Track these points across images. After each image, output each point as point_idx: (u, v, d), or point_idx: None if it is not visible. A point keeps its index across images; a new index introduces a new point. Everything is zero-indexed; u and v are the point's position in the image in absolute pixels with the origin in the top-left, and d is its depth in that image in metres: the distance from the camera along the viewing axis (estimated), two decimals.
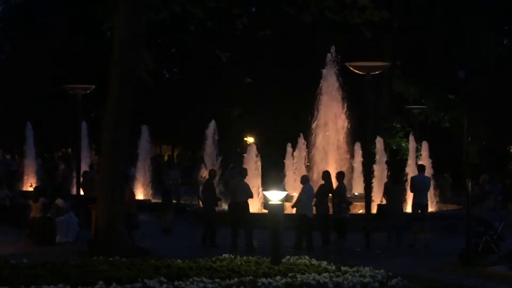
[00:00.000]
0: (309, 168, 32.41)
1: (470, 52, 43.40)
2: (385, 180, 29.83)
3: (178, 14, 23.25)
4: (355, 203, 30.18)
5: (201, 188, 26.48)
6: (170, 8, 22.73)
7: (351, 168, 34.28)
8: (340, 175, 24.27)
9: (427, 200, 24.80)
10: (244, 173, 24.51)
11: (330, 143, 33.67)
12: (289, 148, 32.41)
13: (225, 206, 28.93)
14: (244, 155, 30.94)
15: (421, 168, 25.48)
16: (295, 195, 24.40)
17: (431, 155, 32.47)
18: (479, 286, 14.65)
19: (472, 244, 19.97)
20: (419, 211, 24.07)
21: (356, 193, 32.13)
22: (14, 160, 49.64)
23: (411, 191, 24.75)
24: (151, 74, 26.51)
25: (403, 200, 24.17)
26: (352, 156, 34.49)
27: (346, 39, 40.46)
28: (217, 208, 25.03)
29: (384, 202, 24.62)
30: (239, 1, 23.58)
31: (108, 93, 20.84)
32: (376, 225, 23.71)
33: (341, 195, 23.69)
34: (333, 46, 33.60)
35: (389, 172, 30.15)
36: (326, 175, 24.28)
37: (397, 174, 26.02)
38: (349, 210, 24.22)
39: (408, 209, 27.40)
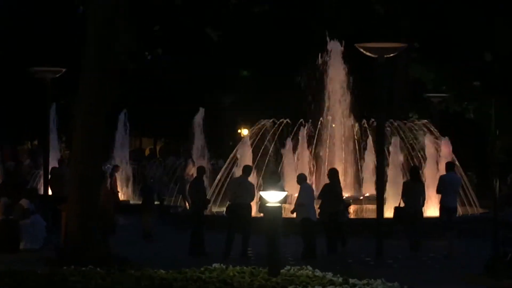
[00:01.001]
0: (313, 165, 32.46)
1: (500, 32, 43.43)
2: (399, 179, 29.93)
3: None
4: (366, 205, 30.26)
5: (188, 187, 26.50)
6: None
7: (360, 166, 34.34)
8: (332, 173, 24.39)
9: (456, 203, 24.83)
10: (247, 171, 24.47)
11: (336, 137, 33.71)
12: (289, 142, 32.42)
13: (215, 209, 29.00)
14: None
15: (450, 166, 25.48)
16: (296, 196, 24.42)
17: (453, 150, 32.53)
18: None
19: (500, 252, 20.01)
20: (448, 215, 24.08)
21: (367, 194, 32.15)
22: None
23: (438, 192, 24.71)
24: (131, 56, 26.51)
25: (423, 202, 24.18)
26: (362, 151, 34.53)
27: (356, 17, 40.47)
28: (206, 211, 25.10)
29: (402, 204, 24.56)
30: None
31: (81, 77, 20.82)
32: (390, 230, 23.74)
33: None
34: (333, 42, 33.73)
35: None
36: (333, 173, 24.39)
37: (417, 170, 26.01)
38: (348, 212, 24.30)
39: (429, 213, 27.53)
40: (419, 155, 33.82)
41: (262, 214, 22.79)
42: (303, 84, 35.86)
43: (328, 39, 33.75)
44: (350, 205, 24.67)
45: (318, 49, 34.77)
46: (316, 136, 33.40)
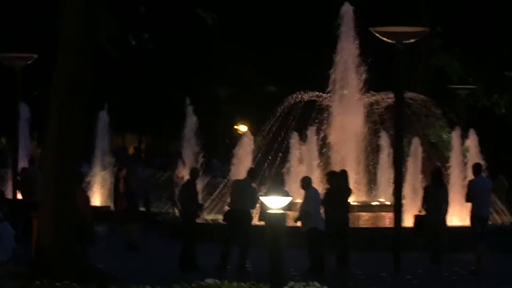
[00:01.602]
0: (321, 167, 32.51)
1: None
2: (419, 183, 29.94)
3: None
4: (382, 213, 30.27)
5: (178, 191, 26.51)
6: None
7: (375, 169, 34.35)
8: (335, 176, 24.48)
9: (489, 211, 24.81)
10: (252, 174, 24.50)
11: (348, 135, 33.73)
12: (294, 140, 32.46)
13: (208, 216, 29.02)
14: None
15: (477, 168, 25.36)
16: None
17: (482, 150, 32.57)
18: None
19: None
20: (480, 225, 24.05)
21: (385, 201, 32.08)
22: None
23: (468, 200, 24.63)
24: (114, 42, 26.47)
25: (447, 210, 24.16)
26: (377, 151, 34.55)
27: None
28: (198, 218, 25.13)
29: (424, 212, 24.52)
30: None
31: (56, 66, 20.79)
32: (409, 242, 23.73)
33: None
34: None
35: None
36: (343, 175, 24.45)
37: (441, 175, 25.96)
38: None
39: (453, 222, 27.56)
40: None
41: (263, 223, 22.78)
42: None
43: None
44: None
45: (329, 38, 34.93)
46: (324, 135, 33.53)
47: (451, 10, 45.53)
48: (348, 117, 33.53)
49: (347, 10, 33.51)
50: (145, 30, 57.68)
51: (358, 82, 33.65)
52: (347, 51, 33.63)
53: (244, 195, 23.55)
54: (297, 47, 48.28)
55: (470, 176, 27.45)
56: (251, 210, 23.66)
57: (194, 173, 25.09)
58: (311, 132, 32.72)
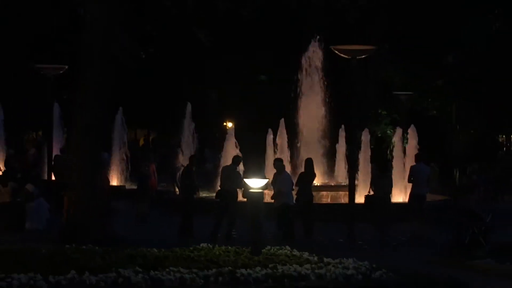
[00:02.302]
0: (292, 155, 32.50)
1: (460, 37, 43.54)
2: (368, 168, 29.99)
3: None
4: (340, 192, 30.26)
5: (179, 174, 26.47)
6: None
7: (334, 156, 34.35)
8: (308, 162, 24.51)
9: (426, 191, 24.88)
10: (236, 160, 24.54)
11: (312, 130, 33.71)
12: (269, 135, 32.45)
13: (203, 194, 28.97)
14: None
15: (419, 156, 25.52)
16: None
17: (418, 143, 32.65)
18: (466, 280, 14.73)
19: (459, 236, 20.09)
20: (418, 202, 24.14)
21: (342, 183, 32.12)
22: None
23: (409, 181, 24.80)
24: (126, 54, 26.38)
25: (391, 190, 24.21)
26: (336, 143, 34.55)
27: (332, 22, 40.47)
28: (195, 196, 25.06)
29: (372, 192, 24.58)
30: None
31: (82, 74, 20.72)
32: (361, 215, 23.75)
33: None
34: (316, 36, 33.72)
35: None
36: (309, 162, 24.46)
37: (386, 162, 26.04)
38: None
39: (398, 199, 27.59)
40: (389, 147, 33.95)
41: (245, 199, 22.78)
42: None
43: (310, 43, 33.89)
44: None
45: (299, 50, 34.88)
46: (294, 128, 33.51)
47: (394, 32, 45.59)
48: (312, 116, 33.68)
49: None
50: (152, 45, 57.46)
51: (321, 92, 33.79)
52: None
53: (231, 178, 23.56)
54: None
55: (409, 163, 27.56)
56: (237, 190, 23.67)
57: (192, 160, 25.08)
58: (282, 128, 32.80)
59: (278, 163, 24.20)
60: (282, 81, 41.11)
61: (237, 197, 23.61)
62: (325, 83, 33.79)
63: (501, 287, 16.61)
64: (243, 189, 23.50)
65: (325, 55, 33.01)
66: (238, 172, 23.94)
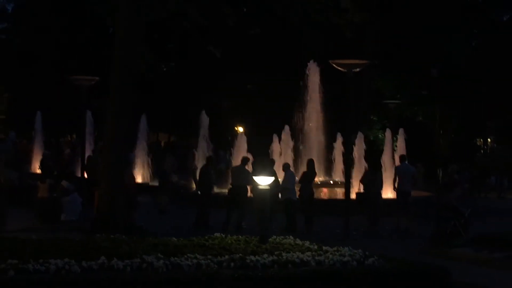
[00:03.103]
0: (295, 156, 32.54)
1: (442, 52, 43.53)
2: (362, 168, 29.95)
3: (174, 13, 23.19)
4: (337, 189, 30.25)
5: (197, 173, 26.44)
6: (167, 7, 22.64)
7: (333, 157, 34.36)
8: (310, 162, 24.46)
9: (410, 188, 24.83)
10: (245, 161, 24.58)
11: (312, 134, 33.76)
12: (275, 139, 32.46)
13: (217, 190, 28.95)
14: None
15: (403, 157, 25.52)
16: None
17: (406, 146, 32.59)
18: (446, 266, 14.70)
19: (441, 228, 20.07)
20: (403, 198, 24.10)
21: (339, 181, 32.13)
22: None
23: (395, 180, 24.76)
24: (150, 68, 26.37)
25: (381, 187, 24.17)
26: (333, 146, 34.58)
27: (330, 39, 40.51)
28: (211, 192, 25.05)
29: (361, 189, 24.55)
30: (229, 1, 23.54)
31: (111, 85, 20.74)
32: (355, 209, 23.72)
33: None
34: (312, 62, 33.85)
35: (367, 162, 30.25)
36: (310, 162, 24.46)
37: (377, 163, 26.02)
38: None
39: (388, 196, 27.52)
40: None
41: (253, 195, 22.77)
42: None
43: (308, 64, 34.02)
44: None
45: (301, 66, 34.97)
46: (297, 133, 33.57)
47: (385, 50, 45.60)
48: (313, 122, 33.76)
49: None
50: (171, 59, 57.56)
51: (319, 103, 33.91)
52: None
53: (240, 176, 23.56)
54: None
55: (398, 163, 27.51)
56: (247, 186, 23.65)
57: (209, 161, 25.10)
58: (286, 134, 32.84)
59: (285, 165, 24.37)
60: (286, 91, 41.18)
61: (247, 193, 23.58)
62: (323, 95, 33.85)
63: (478, 273, 16.57)
64: (251, 186, 23.53)
65: (322, 70, 33.03)
66: (247, 170, 23.92)
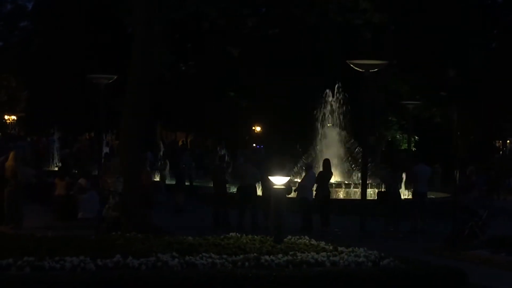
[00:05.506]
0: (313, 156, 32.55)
1: (460, 54, 43.34)
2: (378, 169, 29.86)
3: (193, 13, 23.18)
4: (354, 189, 30.19)
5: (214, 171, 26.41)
6: (186, 8, 22.64)
7: (351, 158, 34.26)
8: (326, 163, 24.38)
9: (426, 189, 24.74)
10: (250, 159, 24.61)
11: (331, 135, 33.71)
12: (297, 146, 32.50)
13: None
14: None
15: (419, 158, 25.50)
16: (298, 180, 24.39)
17: (424, 147, 32.49)
18: (463, 268, 14.59)
19: (458, 229, 19.94)
20: (419, 198, 24.01)
21: (356, 181, 32.04)
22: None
23: (411, 181, 24.66)
24: (168, 67, 26.39)
25: (400, 188, 24.11)
26: (350, 146, 34.47)
27: (349, 39, 40.41)
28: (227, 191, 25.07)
29: (383, 189, 24.49)
30: (248, 1, 23.52)
31: (128, 84, 20.75)
32: (371, 209, 23.64)
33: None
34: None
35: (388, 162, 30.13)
36: (326, 163, 24.40)
37: (397, 163, 25.95)
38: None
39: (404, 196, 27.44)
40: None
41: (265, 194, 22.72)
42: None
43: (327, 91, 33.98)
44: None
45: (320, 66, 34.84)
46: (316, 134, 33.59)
47: (403, 50, 45.37)
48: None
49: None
50: (190, 59, 57.59)
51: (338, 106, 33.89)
52: None
53: (248, 175, 23.65)
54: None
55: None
56: (256, 185, 23.65)
57: (222, 159, 25.12)
58: None
59: (307, 164, 24.71)
60: (303, 92, 41.12)
61: (255, 191, 23.53)
62: (341, 98, 33.82)
63: (496, 275, 16.45)
64: (265, 185, 23.47)
65: (340, 71, 32.93)
66: (254, 168, 23.86)
